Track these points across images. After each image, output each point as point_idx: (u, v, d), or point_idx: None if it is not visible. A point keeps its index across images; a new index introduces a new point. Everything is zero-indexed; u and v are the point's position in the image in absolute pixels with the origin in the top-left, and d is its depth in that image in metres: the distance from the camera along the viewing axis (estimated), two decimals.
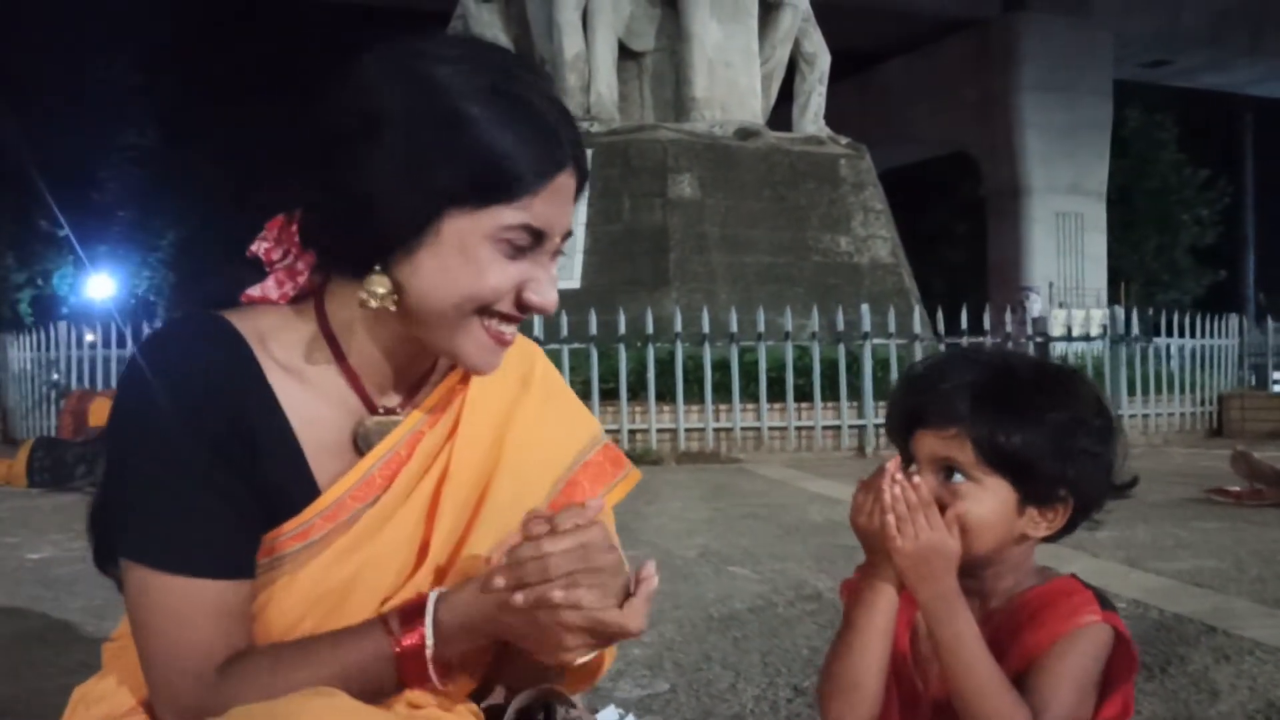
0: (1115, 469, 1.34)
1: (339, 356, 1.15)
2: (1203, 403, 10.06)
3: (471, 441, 1.16)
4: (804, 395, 8.15)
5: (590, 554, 1.01)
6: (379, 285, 1.07)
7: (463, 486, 1.15)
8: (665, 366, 7.82)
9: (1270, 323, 10.50)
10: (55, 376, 9.35)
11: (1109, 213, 22.55)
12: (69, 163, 23.72)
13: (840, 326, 8.28)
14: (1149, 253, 25.39)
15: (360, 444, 1.15)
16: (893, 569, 1.28)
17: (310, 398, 1.13)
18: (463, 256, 1.05)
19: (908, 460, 1.33)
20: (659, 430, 7.83)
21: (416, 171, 1.04)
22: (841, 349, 8.19)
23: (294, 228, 1.16)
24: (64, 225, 24.82)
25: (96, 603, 3.36)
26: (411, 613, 1.05)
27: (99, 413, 6.88)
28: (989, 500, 1.29)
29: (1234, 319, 10.78)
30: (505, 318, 1.11)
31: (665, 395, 7.88)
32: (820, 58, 11.35)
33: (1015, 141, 21.42)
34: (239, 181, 24.24)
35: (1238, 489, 5.53)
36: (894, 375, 8.16)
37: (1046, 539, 1.35)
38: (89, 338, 9.61)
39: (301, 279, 1.16)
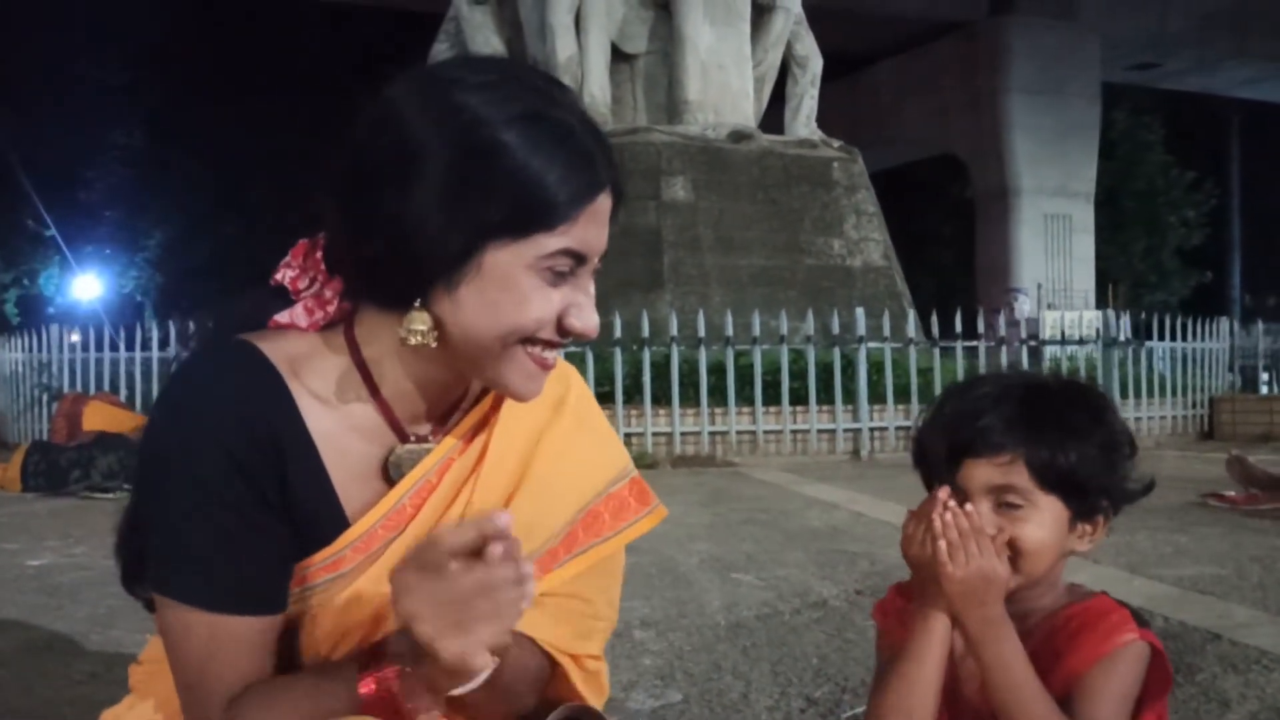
0: (1134, 474, 1.39)
1: (372, 389, 1.13)
2: (1194, 405, 10.11)
3: (498, 466, 1.15)
4: (799, 399, 8.16)
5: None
6: (420, 323, 1.06)
7: (485, 508, 1.14)
8: (661, 370, 7.82)
9: (1260, 325, 10.57)
10: (46, 380, 9.30)
11: (1096, 214, 22.62)
12: (56, 162, 23.63)
13: (835, 330, 8.29)
14: (1136, 254, 25.46)
15: (391, 472, 1.15)
16: (943, 603, 1.30)
17: (342, 429, 1.12)
18: (505, 288, 1.04)
19: (952, 485, 1.34)
20: (655, 434, 7.83)
21: (456, 206, 1.02)
22: (836, 352, 8.21)
23: (319, 254, 1.15)
24: (50, 225, 24.70)
25: (101, 611, 3.34)
26: (373, 651, 1.06)
27: (93, 416, 6.85)
28: (1047, 521, 1.32)
29: (1224, 322, 10.84)
30: (548, 344, 1.10)
31: (661, 399, 7.88)
32: (812, 61, 11.38)
33: (1003, 143, 21.47)
34: (227, 181, 24.19)
35: (1234, 494, 5.56)
36: (889, 378, 8.19)
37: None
38: (73, 338, 9.56)
39: (331, 307, 1.14)
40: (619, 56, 10.76)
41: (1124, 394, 9.21)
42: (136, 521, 1.13)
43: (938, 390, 7.51)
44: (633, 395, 7.93)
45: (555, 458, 1.19)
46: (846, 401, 8.23)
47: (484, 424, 1.18)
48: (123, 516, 1.17)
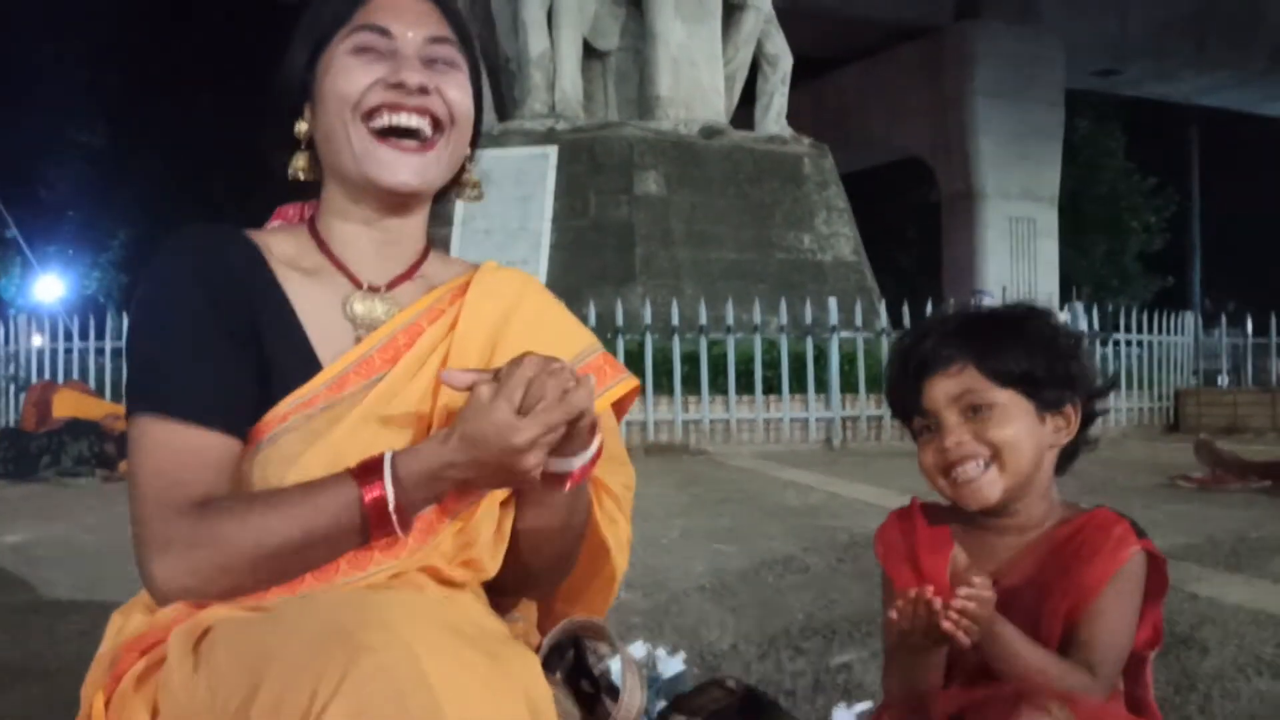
0: (1094, 371, 1.46)
1: (321, 244, 1.30)
2: (1160, 398, 10.25)
3: (469, 335, 1.25)
4: (772, 388, 8.21)
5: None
6: (299, 159, 1.29)
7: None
8: (634, 359, 7.84)
9: (1223, 320, 10.72)
10: (14, 371, 9.18)
11: (1059, 219, 22.85)
12: (16, 160, 23.30)
13: (808, 320, 8.35)
14: (1099, 258, 25.73)
15: (346, 313, 1.27)
16: (937, 651, 1.32)
17: (306, 282, 1.27)
18: (333, 77, 1.24)
19: (921, 414, 1.39)
20: (628, 422, 7.84)
21: (303, 42, 1.28)
22: (809, 342, 8.25)
23: (288, 209, 1.38)
24: (11, 225, 24.35)
25: (85, 580, 3.32)
26: (372, 466, 1.11)
27: (62, 404, 6.79)
28: (1014, 414, 1.38)
29: (1188, 317, 10.99)
30: (388, 108, 1.24)
31: None
32: (782, 59, 11.44)
33: (969, 146, 21.63)
34: (191, 179, 23.91)
35: (1201, 475, 5.66)
36: (861, 368, 8.24)
37: (1068, 453, 1.43)
38: (36, 341, 9.45)
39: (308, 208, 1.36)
40: (591, 53, 10.78)
41: None
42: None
43: None
44: None
45: (528, 328, 1.28)
46: (819, 390, 8.28)
47: (450, 304, 1.28)
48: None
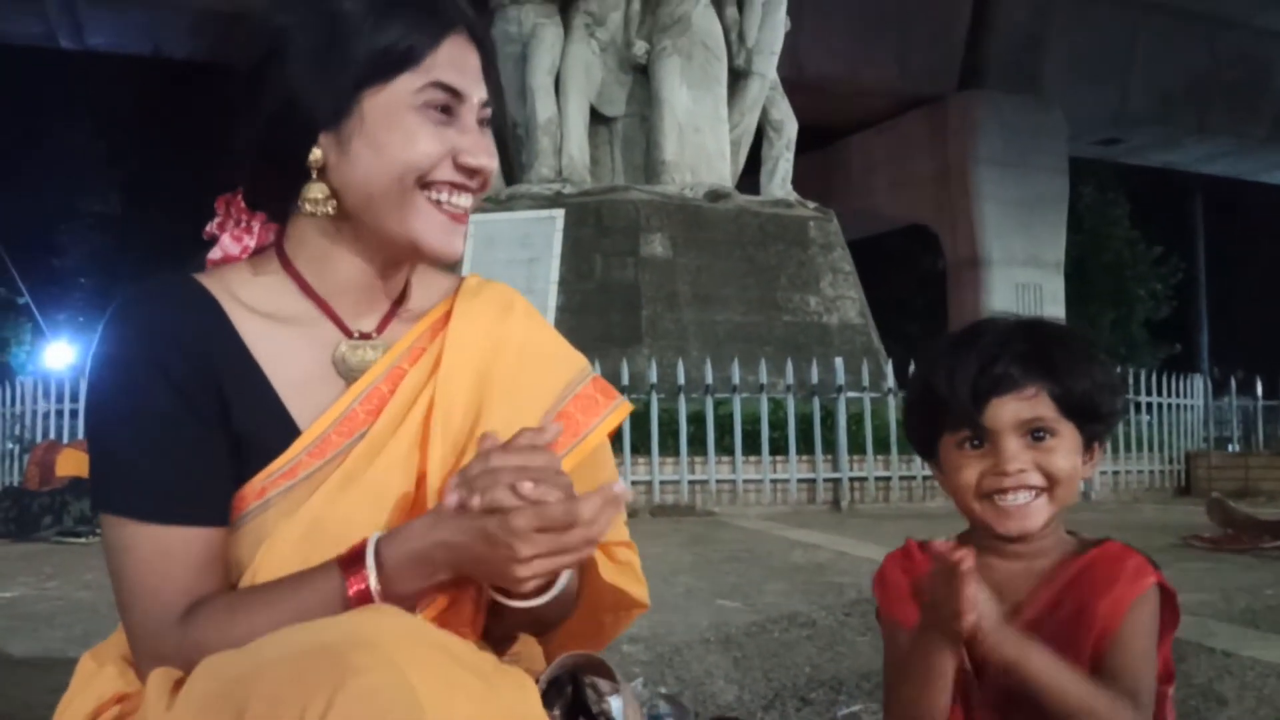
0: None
1: (301, 285, 1.18)
2: (1170, 461, 10.17)
3: (454, 375, 1.17)
4: (779, 448, 8.15)
5: (537, 467, 1.01)
6: (315, 190, 1.13)
7: (452, 417, 1.15)
8: (640, 419, 7.81)
9: (1233, 385, 10.68)
10: (19, 432, 9.17)
11: (1065, 287, 22.90)
12: (31, 229, 23.52)
13: (814, 380, 8.31)
14: (1106, 326, 25.75)
15: (338, 368, 1.17)
16: (955, 644, 1.29)
17: (284, 337, 1.16)
18: (391, 128, 1.11)
19: (973, 430, 1.35)
20: (633, 482, 7.79)
21: (318, 70, 1.11)
22: (816, 402, 8.21)
23: (239, 199, 1.22)
24: (24, 293, 24.53)
25: (78, 633, 3.27)
26: (355, 556, 1.04)
27: (66, 463, 6.76)
28: (1071, 448, 1.35)
29: (1197, 380, 10.94)
30: (452, 187, 1.15)
31: (640, 448, 7.85)
32: (787, 125, 11.54)
33: (974, 214, 21.76)
34: (203, 249, 24.08)
35: (1214, 536, 5.58)
36: (868, 428, 8.19)
37: None
38: (42, 407, 9.44)
39: (255, 230, 1.22)
40: (598, 119, 10.89)
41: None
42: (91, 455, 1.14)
43: None
44: (611, 444, 7.87)
45: (516, 364, 1.21)
46: (826, 451, 8.22)
47: (432, 337, 1.20)
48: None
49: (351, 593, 1.02)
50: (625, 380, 8.00)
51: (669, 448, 7.94)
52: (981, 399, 1.34)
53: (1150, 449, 9.95)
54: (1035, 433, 1.33)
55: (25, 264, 23.58)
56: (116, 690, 1.11)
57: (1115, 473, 9.44)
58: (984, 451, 1.34)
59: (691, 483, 7.97)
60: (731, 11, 11.18)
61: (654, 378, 7.99)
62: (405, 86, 1.11)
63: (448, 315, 1.22)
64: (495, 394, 1.19)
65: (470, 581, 1.09)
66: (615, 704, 1.19)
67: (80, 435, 8.55)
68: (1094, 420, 1.36)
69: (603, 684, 1.21)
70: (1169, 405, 10.30)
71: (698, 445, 8.00)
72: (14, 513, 6.36)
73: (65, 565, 5.11)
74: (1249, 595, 3.84)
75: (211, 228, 1.23)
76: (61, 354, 26.13)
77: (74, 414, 9.00)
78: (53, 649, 3.10)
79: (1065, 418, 1.34)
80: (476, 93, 1.16)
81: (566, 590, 1.16)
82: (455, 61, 1.14)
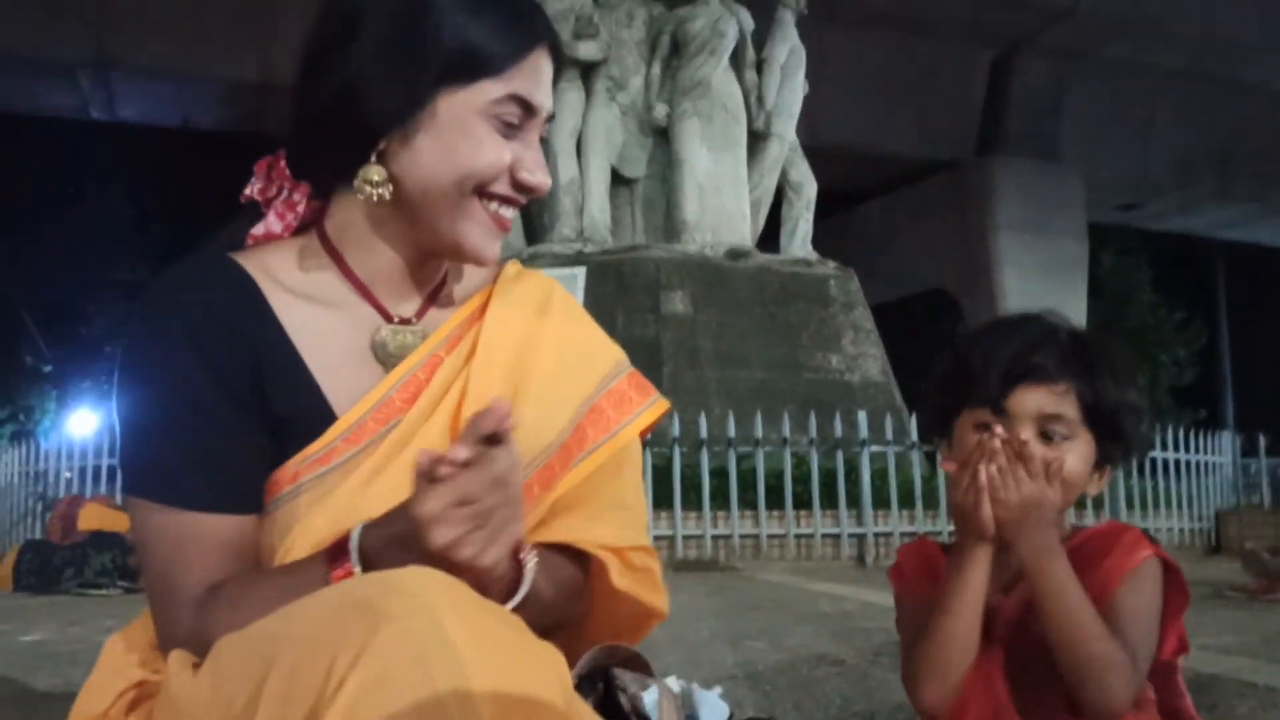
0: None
1: (343, 268, 1.16)
2: (1200, 519, 10.03)
3: (488, 365, 1.15)
4: (803, 503, 8.08)
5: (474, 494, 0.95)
6: (374, 173, 1.11)
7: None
8: (663, 473, 7.76)
9: (1261, 442, 10.56)
10: (42, 489, 9.20)
11: None
12: (58, 297, 23.80)
13: (838, 434, 8.26)
14: None
15: (378, 353, 1.16)
16: (983, 550, 1.31)
17: (320, 316, 1.14)
18: (461, 132, 1.10)
19: (994, 412, 1.35)
20: (656, 537, 7.72)
21: (396, 59, 1.09)
22: (840, 456, 8.15)
23: (281, 164, 1.19)
24: (49, 361, 24.75)
25: None
26: (339, 547, 1.02)
27: (89, 517, 6.75)
28: (1083, 455, 1.35)
29: (1226, 436, 10.83)
30: (503, 200, 1.14)
31: (662, 502, 7.79)
32: (806, 186, 11.62)
33: (994, 280, 21.76)
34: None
35: (1250, 585, 5.53)
36: (893, 483, 8.12)
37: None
38: (65, 475, 9.46)
39: (300, 208, 1.19)
40: (619, 180, 10.99)
41: (1130, 505, 9.14)
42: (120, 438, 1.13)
43: (943, 496, 7.50)
44: None
45: (552, 354, 1.20)
46: (850, 506, 8.14)
47: (469, 326, 1.19)
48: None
49: (335, 582, 1.00)
50: (648, 436, 7.95)
51: (692, 502, 7.87)
52: (1012, 382, 1.34)
53: (1180, 506, 9.83)
54: (1052, 431, 1.33)
55: (52, 333, 23.82)
56: (142, 676, 1.09)
57: (1146, 530, 9.30)
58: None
59: (715, 537, 7.89)
60: (751, 75, 11.33)
61: (676, 432, 7.95)
62: (484, 93, 1.10)
63: (485, 304, 1.21)
64: (529, 385, 1.17)
65: None
66: (649, 699, 1.16)
67: (104, 490, 8.57)
68: (1113, 438, 1.36)
69: (634, 682, 1.18)
70: (1198, 463, 10.18)
71: (720, 500, 7.93)
72: (36, 565, 6.35)
73: (87, 613, 5.09)
74: None
75: (252, 191, 1.20)
76: (85, 422, 26.30)
77: (96, 469, 9.01)
78: (74, 683, 3.05)
79: (1086, 425, 1.34)
80: (545, 106, 1.15)
81: (563, 584, 1.14)
82: (535, 75, 1.13)
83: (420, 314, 1.19)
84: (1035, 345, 1.36)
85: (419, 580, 0.88)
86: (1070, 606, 1.26)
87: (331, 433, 1.10)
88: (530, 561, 1.06)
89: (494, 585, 1.01)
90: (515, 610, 1.00)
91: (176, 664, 0.99)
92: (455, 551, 0.94)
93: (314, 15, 1.14)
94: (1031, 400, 1.33)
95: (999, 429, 1.31)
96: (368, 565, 1.00)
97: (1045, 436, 1.34)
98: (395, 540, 0.98)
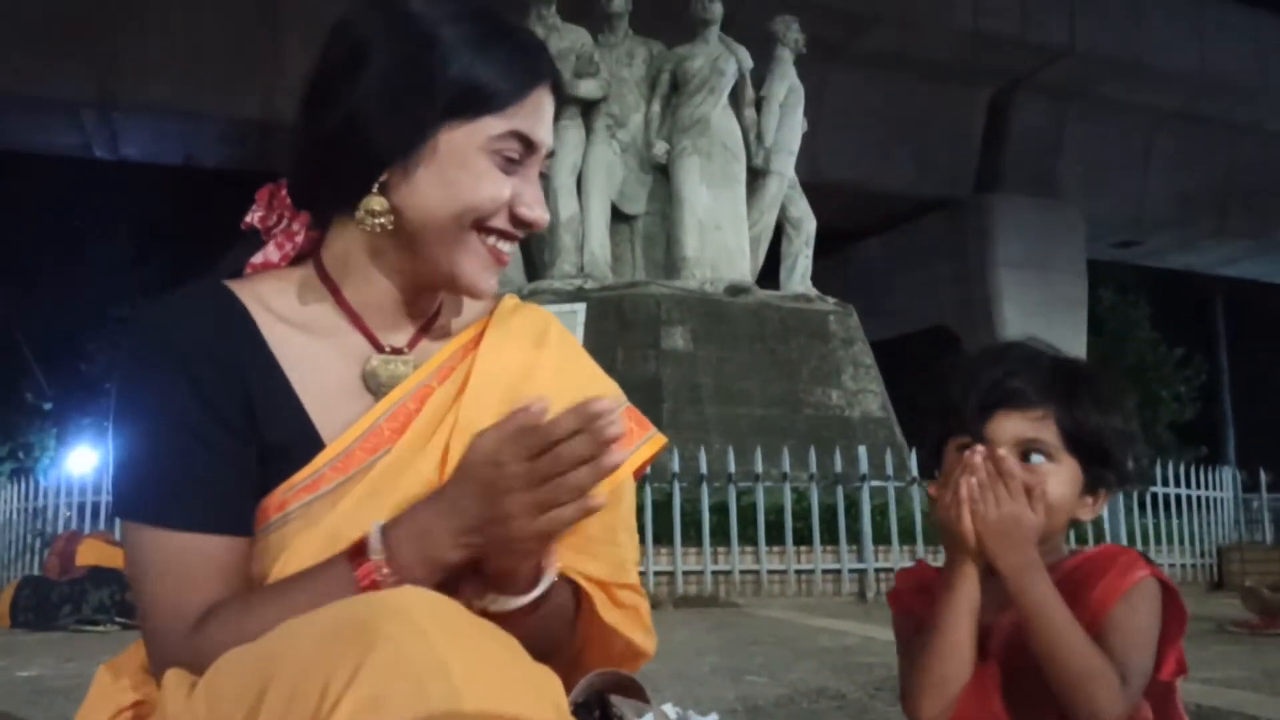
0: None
1: (337, 297, 1.17)
2: (1202, 555, 10.00)
3: (480, 397, 1.15)
4: (803, 538, 8.05)
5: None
6: (377, 204, 1.11)
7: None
8: (662, 509, 7.74)
9: (1262, 478, 10.54)
10: (40, 525, 9.17)
11: None
12: (58, 335, 23.82)
13: (838, 470, 8.24)
14: None
15: (369, 383, 1.16)
16: (971, 566, 1.33)
17: (314, 349, 1.15)
18: (462, 167, 1.10)
19: (975, 439, 1.37)
20: (656, 573, 7.69)
21: (402, 93, 1.09)
22: (840, 492, 8.13)
23: (283, 193, 1.20)
24: (50, 398, 24.72)
25: None
26: (360, 545, 1.03)
27: (87, 553, 6.73)
28: (1066, 479, 1.35)
29: (1227, 472, 10.81)
30: (501, 234, 1.15)
31: (662, 538, 7.77)
32: (806, 222, 11.67)
33: (994, 316, 21.79)
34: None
35: (1250, 621, 5.51)
36: (893, 518, 8.10)
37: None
38: (65, 513, 9.43)
39: (299, 238, 1.20)
40: (619, 217, 11.04)
41: (1131, 540, 9.11)
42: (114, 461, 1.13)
43: None
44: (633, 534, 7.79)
45: (548, 386, 1.17)
46: (851, 541, 8.12)
47: (462, 358, 1.19)
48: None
49: (364, 582, 1.00)
50: (647, 470, 7.94)
51: (692, 538, 7.85)
52: (989, 409, 1.36)
53: (1182, 542, 9.79)
54: (1032, 455, 1.34)
55: (52, 370, 23.81)
56: (132, 700, 1.09)
57: (1144, 553, 9.27)
58: None
59: (715, 573, 7.86)
60: (750, 113, 11.41)
61: (676, 468, 7.93)
62: (486, 129, 1.11)
63: (480, 336, 1.21)
64: None
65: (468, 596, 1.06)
66: None
67: (102, 527, 8.54)
68: (1100, 463, 1.36)
69: (630, 710, 1.17)
70: (1200, 499, 10.16)
71: (721, 536, 7.90)
72: (33, 601, 6.33)
73: (84, 649, 5.07)
74: None
75: (253, 219, 1.21)
76: (84, 459, 26.24)
77: (95, 507, 8.99)
78: (69, 717, 3.06)
79: (1068, 450, 1.35)
80: (546, 143, 1.16)
81: (558, 608, 1.14)
82: (537, 113, 1.14)
83: (412, 344, 1.20)
84: (1013, 372, 1.37)
85: (414, 600, 0.88)
86: (1052, 622, 1.27)
87: (319, 460, 1.10)
88: (554, 565, 1.07)
89: (509, 578, 1.03)
90: (509, 629, 0.99)
91: (173, 683, 0.98)
92: (503, 500, 0.96)
93: (321, 44, 1.15)
94: (1009, 426, 1.35)
95: (979, 446, 1.32)
96: (390, 557, 1.01)
97: (1027, 460, 1.34)
98: (418, 532, 1.00)
